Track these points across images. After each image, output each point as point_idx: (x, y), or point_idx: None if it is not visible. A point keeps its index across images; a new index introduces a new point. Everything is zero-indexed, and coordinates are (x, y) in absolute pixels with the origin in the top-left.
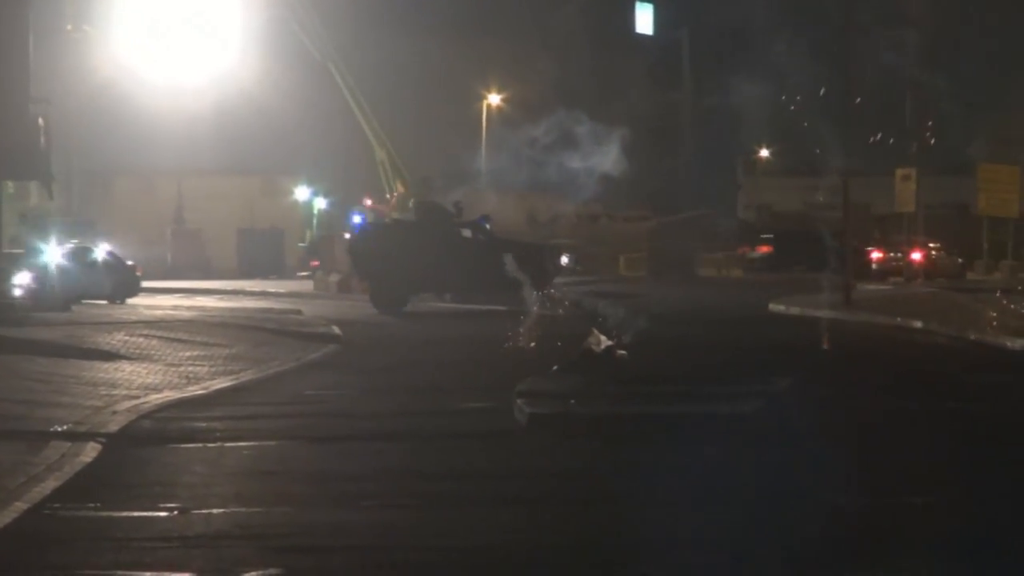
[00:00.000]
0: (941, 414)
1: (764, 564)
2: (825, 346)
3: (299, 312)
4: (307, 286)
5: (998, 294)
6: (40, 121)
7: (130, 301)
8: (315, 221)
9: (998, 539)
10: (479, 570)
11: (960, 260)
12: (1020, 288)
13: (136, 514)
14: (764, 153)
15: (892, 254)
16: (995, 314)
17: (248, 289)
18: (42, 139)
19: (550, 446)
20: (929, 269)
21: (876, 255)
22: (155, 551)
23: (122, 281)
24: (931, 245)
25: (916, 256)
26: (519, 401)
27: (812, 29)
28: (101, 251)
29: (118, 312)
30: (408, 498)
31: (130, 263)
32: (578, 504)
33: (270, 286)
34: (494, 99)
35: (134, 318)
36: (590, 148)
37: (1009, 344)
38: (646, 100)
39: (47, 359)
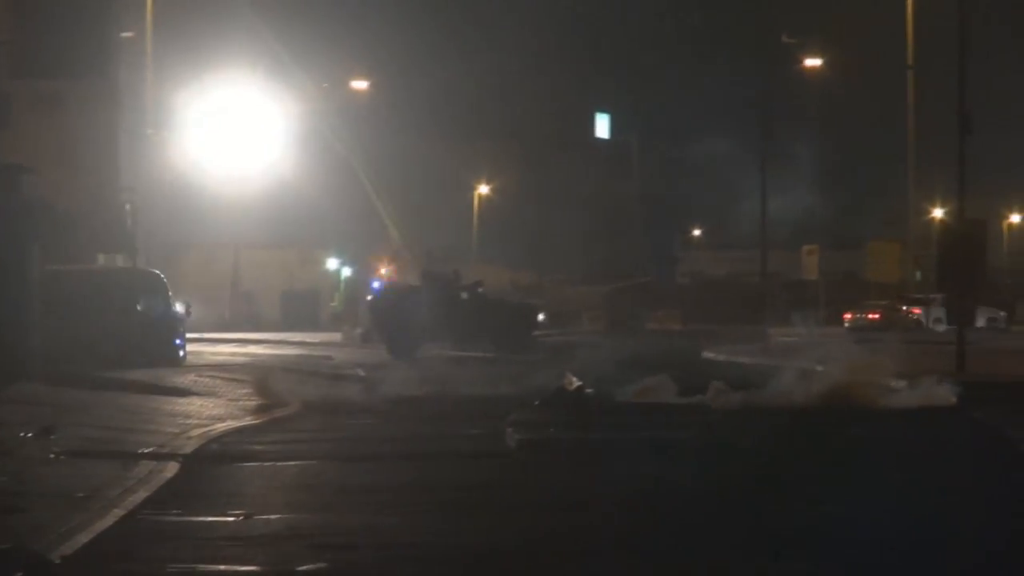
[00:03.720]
0: (847, 437)
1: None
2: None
3: (331, 358)
4: (336, 337)
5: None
6: (127, 206)
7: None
8: (342, 285)
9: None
10: (483, 561)
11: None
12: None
13: (210, 519)
14: (696, 232)
15: (860, 314)
16: (885, 357)
17: (290, 340)
18: (128, 220)
19: (535, 465)
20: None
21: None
22: (227, 549)
23: None
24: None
25: (874, 315)
26: (509, 429)
27: (736, 130)
28: None
29: (191, 358)
30: (424, 506)
31: None
32: (561, 509)
33: (307, 337)
34: (483, 189)
35: (201, 363)
36: (560, 229)
37: (893, 383)
38: (603, 190)
39: (135, 395)
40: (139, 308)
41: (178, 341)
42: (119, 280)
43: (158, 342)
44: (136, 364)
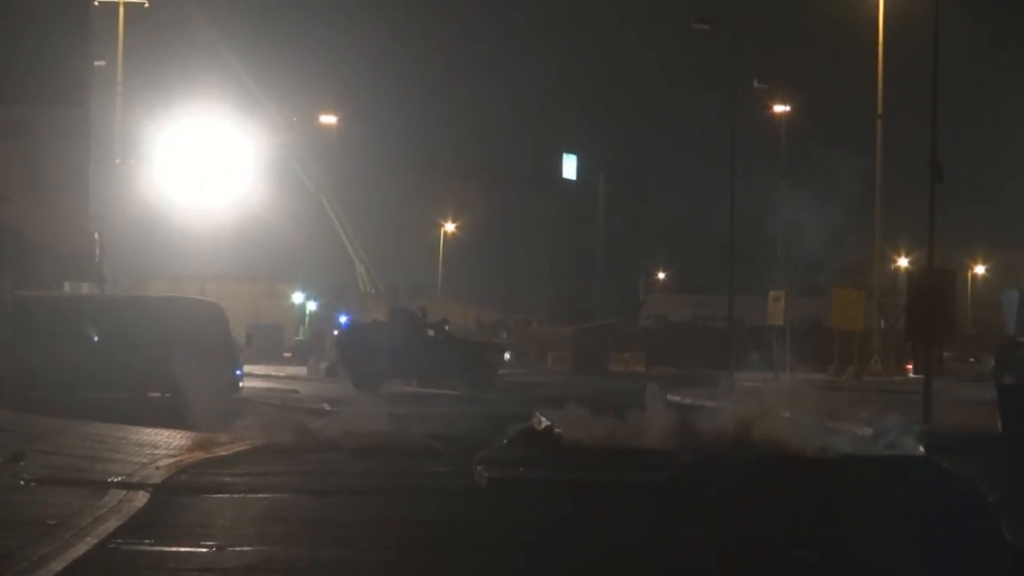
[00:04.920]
0: (806, 485)
1: None
2: (712, 428)
3: (296, 391)
4: (301, 371)
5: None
6: (95, 235)
7: None
8: (307, 319)
9: None
10: None
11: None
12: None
13: (183, 549)
14: (661, 275)
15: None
16: (840, 404)
17: (254, 372)
18: (97, 250)
19: (505, 504)
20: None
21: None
22: None
23: None
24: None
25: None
26: (478, 467)
27: (702, 172)
28: None
29: None
30: (396, 542)
31: None
32: (532, 548)
33: (272, 370)
34: (450, 227)
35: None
36: (524, 269)
37: (858, 431)
38: (569, 231)
39: (103, 424)
40: (202, 337)
41: (239, 372)
42: (180, 309)
43: (220, 372)
44: (198, 394)
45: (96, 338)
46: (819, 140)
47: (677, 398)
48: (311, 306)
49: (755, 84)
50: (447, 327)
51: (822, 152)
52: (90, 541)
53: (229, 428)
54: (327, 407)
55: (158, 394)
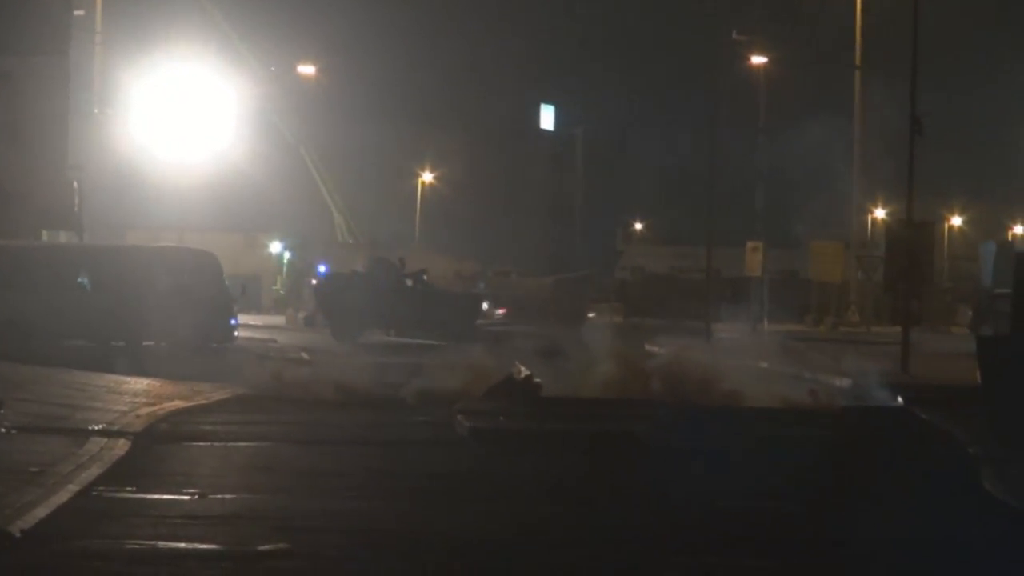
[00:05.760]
0: (784, 437)
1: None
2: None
3: (275, 341)
4: (279, 320)
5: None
6: (75, 184)
7: None
8: (284, 270)
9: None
10: (447, 549)
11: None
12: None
13: (165, 497)
14: (638, 226)
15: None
16: (819, 355)
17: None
18: (76, 199)
19: (485, 454)
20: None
21: None
22: (185, 527)
23: None
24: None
25: None
26: (459, 416)
27: (680, 125)
28: None
29: None
30: (381, 491)
31: None
32: (515, 499)
33: (250, 320)
34: (427, 177)
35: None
36: (502, 219)
37: (836, 382)
38: (547, 182)
39: (82, 372)
40: (196, 286)
41: (233, 321)
42: (175, 258)
43: (214, 321)
44: (193, 342)
45: (89, 287)
46: (799, 92)
47: (655, 347)
48: (287, 256)
49: (734, 35)
50: (425, 277)
51: (801, 103)
52: (72, 488)
53: (213, 377)
54: (305, 356)
55: (151, 343)
